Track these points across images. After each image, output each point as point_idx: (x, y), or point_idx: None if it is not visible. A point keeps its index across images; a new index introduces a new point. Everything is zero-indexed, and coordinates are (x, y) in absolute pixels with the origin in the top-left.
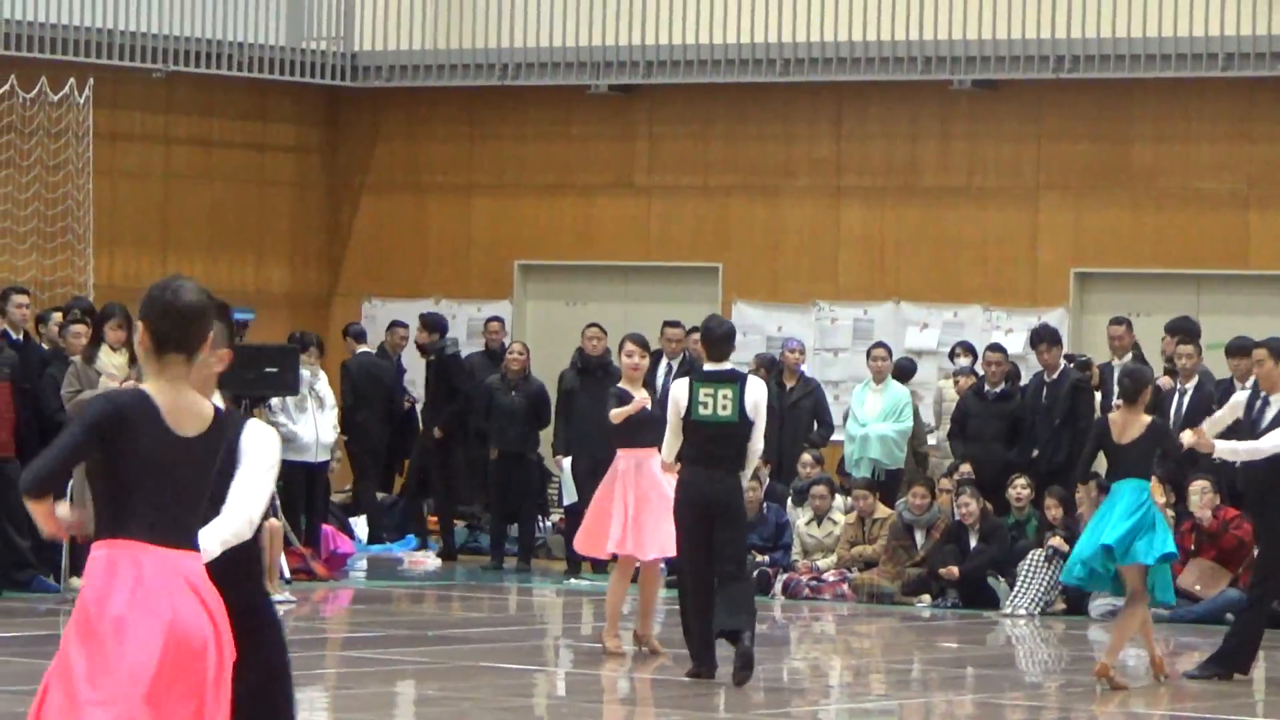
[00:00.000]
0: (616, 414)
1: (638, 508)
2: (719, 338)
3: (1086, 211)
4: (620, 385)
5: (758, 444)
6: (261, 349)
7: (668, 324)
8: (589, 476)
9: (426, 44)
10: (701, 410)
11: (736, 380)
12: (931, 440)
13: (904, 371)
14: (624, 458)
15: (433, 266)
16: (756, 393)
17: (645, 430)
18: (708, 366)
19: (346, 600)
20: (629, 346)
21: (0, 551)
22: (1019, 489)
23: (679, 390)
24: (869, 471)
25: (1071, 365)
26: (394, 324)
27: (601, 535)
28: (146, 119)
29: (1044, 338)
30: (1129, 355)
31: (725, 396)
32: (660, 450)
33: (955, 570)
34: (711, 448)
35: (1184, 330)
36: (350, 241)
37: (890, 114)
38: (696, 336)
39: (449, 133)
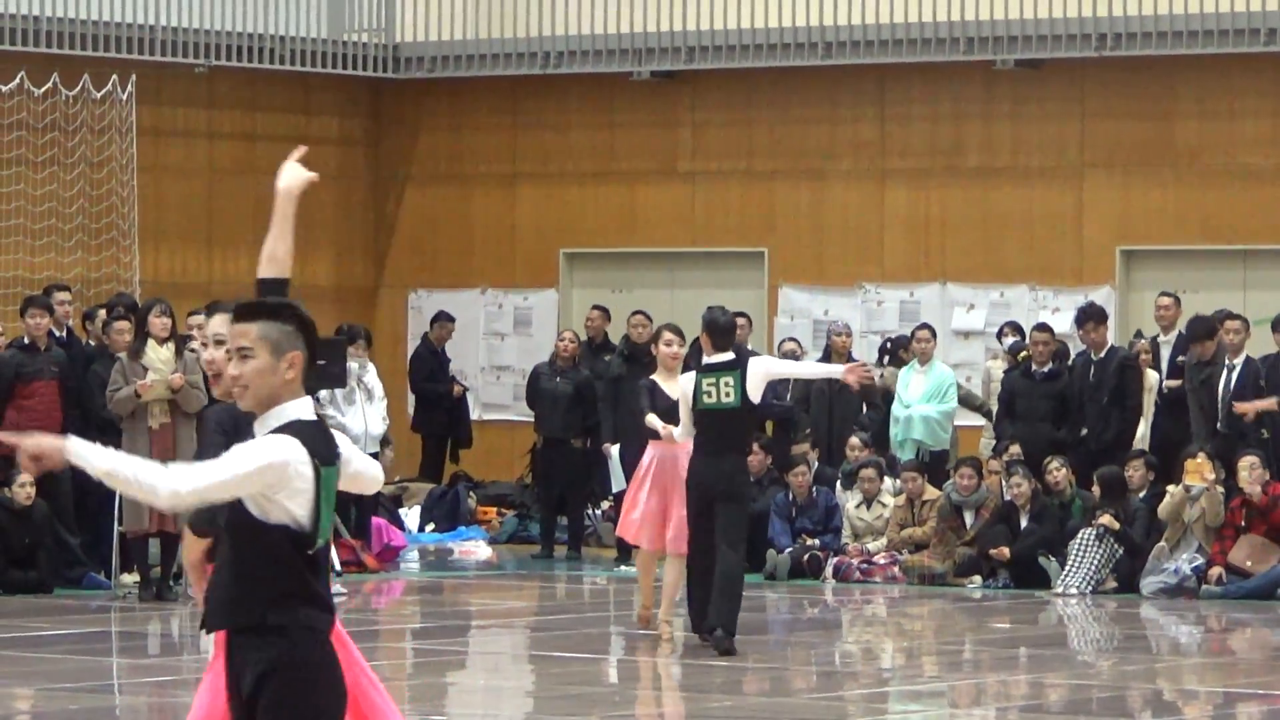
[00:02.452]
0: (650, 421)
1: (665, 502)
2: (723, 328)
3: (1132, 189)
4: (654, 377)
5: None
6: None
7: None
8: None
9: (468, 34)
10: (706, 400)
11: (737, 367)
12: (980, 420)
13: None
14: (654, 449)
15: (478, 257)
16: (759, 367)
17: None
18: (710, 358)
19: (398, 591)
20: (667, 335)
21: (52, 549)
22: (1055, 472)
23: (687, 384)
24: (914, 453)
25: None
26: (440, 316)
27: (629, 522)
28: (189, 114)
29: (1090, 316)
30: (1175, 330)
31: (727, 384)
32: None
33: (1006, 551)
34: (717, 434)
35: (1208, 323)
36: (395, 233)
37: (933, 95)
38: (743, 321)
39: (492, 123)
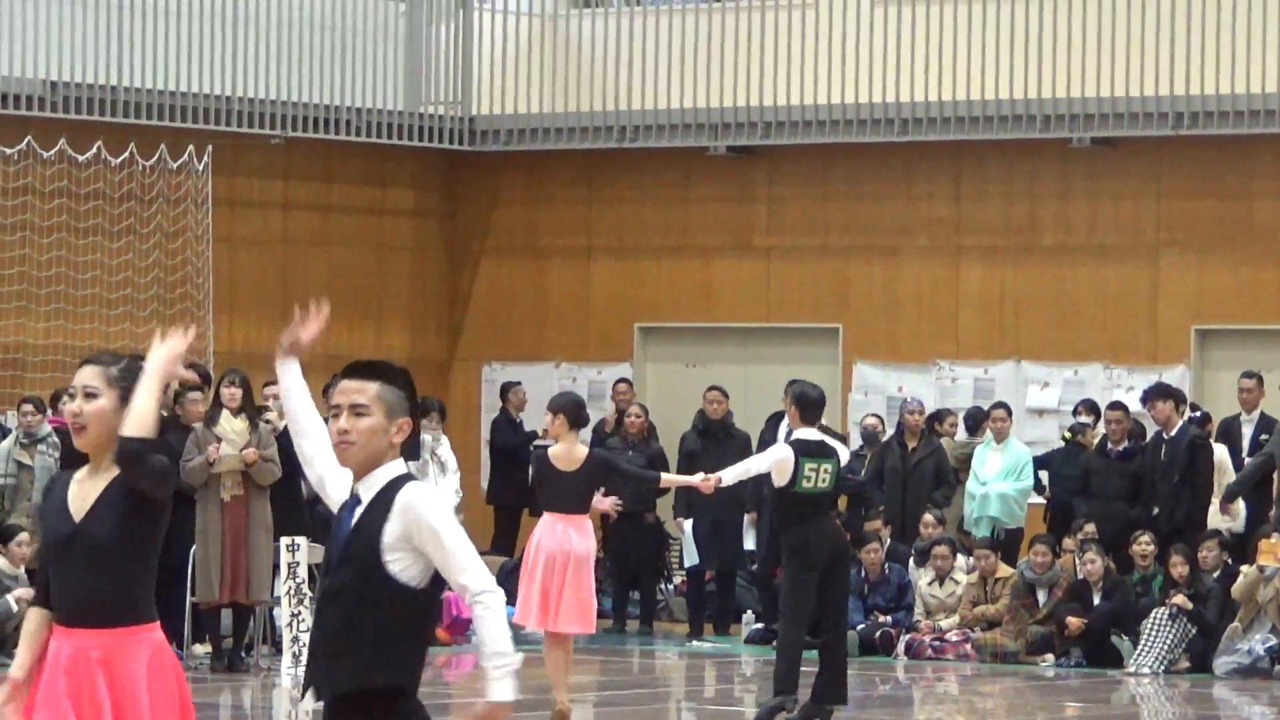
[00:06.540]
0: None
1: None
2: (813, 402)
3: (1207, 268)
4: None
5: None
6: None
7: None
8: (710, 538)
9: (544, 108)
10: (805, 484)
11: (832, 455)
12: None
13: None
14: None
15: (552, 330)
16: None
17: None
18: (807, 434)
19: (470, 665)
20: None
21: None
22: (1143, 545)
23: (785, 455)
24: (989, 530)
25: (1192, 420)
26: (507, 385)
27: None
28: (265, 185)
29: (1158, 394)
30: (1258, 411)
31: (826, 470)
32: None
33: (1079, 622)
34: (816, 505)
35: None
36: (470, 306)
37: (1009, 172)
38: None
39: (568, 196)
